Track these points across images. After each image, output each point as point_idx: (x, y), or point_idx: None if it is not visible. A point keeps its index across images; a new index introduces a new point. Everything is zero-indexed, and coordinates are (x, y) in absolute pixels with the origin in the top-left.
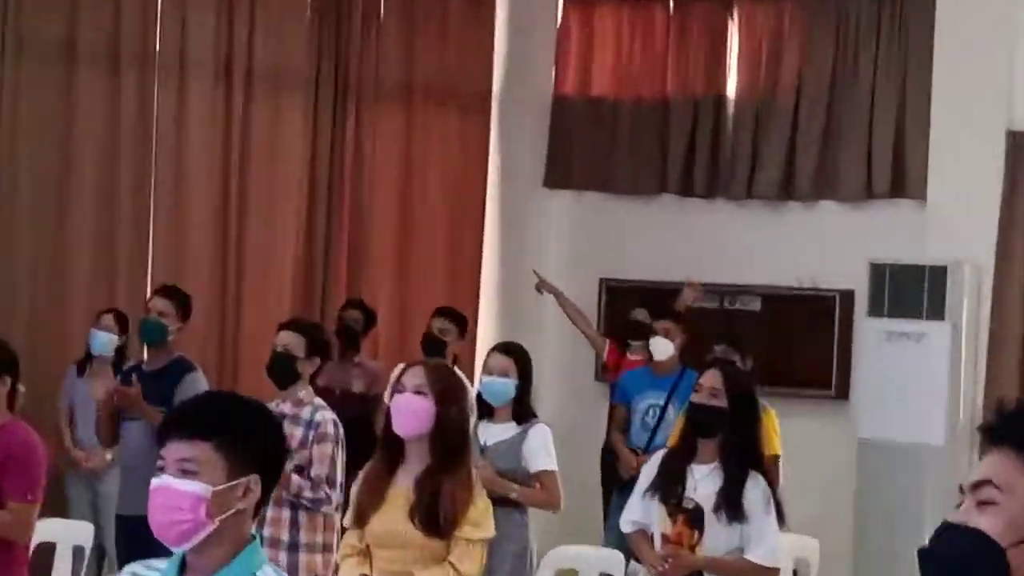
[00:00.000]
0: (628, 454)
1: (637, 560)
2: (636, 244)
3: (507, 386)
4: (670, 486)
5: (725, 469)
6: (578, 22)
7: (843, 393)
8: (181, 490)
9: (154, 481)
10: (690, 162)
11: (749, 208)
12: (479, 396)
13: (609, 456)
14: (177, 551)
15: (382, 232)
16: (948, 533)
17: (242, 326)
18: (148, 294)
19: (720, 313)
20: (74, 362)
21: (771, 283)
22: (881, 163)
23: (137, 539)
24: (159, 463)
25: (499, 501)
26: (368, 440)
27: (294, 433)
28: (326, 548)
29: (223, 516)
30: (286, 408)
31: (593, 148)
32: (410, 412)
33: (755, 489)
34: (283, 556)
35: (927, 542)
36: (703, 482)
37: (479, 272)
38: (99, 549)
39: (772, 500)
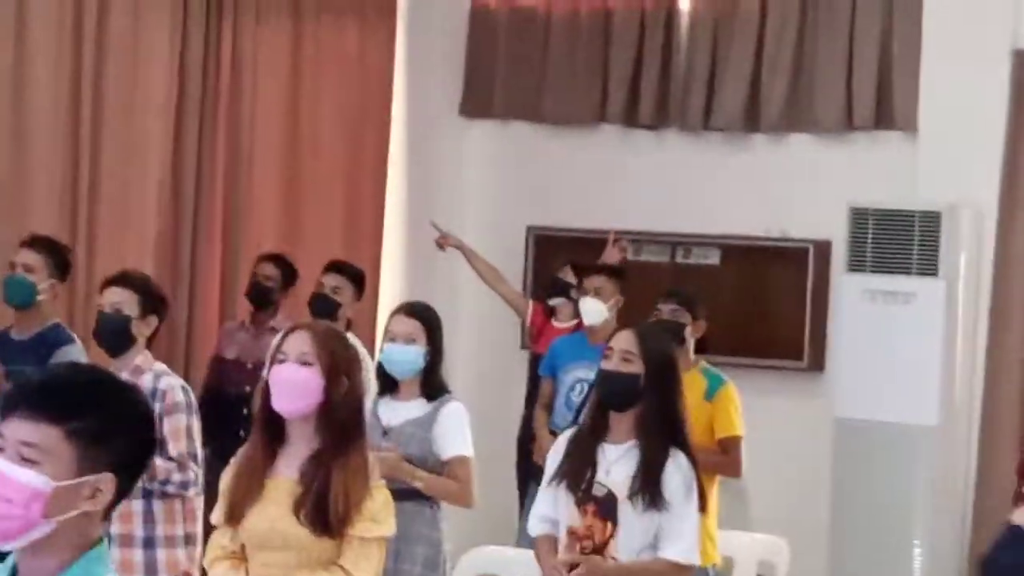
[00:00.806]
0: (546, 437)
1: None
2: (570, 185)
3: (414, 355)
4: (578, 471)
5: (642, 447)
6: None
7: (817, 364)
8: (15, 480)
9: None
10: (635, 86)
11: (706, 141)
12: (380, 367)
13: (528, 440)
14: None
15: (265, 172)
16: (1016, 540)
17: (95, 285)
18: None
19: (671, 268)
20: None
21: (732, 232)
22: (863, 88)
23: None
24: None
25: (406, 494)
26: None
27: None
28: (188, 540)
29: (62, 517)
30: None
31: (519, 69)
32: (293, 385)
33: (676, 472)
34: (138, 554)
35: (990, 548)
36: (617, 465)
37: (381, 219)
38: None
39: (695, 485)
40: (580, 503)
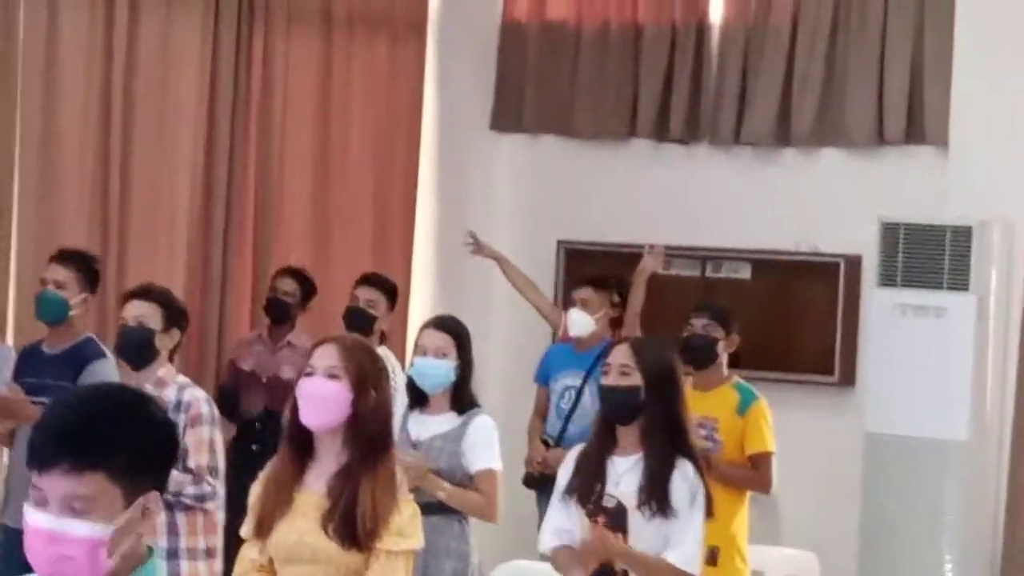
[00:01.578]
0: (537, 446)
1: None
2: (601, 199)
3: (444, 369)
4: (587, 485)
5: (648, 458)
6: None
7: (848, 379)
8: (73, 536)
9: (32, 518)
10: (666, 101)
11: (736, 156)
12: (410, 381)
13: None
14: None
15: (295, 184)
16: None
17: None
18: (12, 257)
19: (701, 282)
20: None
21: (762, 247)
22: (894, 103)
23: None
24: (36, 493)
25: (435, 508)
26: None
27: None
28: (209, 553)
29: (123, 549)
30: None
31: (549, 84)
32: (320, 399)
33: (682, 482)
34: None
35: None
36: (627, 476)
37: (412, 233)
38: None
39: (700, 493)
40: (591, 515)
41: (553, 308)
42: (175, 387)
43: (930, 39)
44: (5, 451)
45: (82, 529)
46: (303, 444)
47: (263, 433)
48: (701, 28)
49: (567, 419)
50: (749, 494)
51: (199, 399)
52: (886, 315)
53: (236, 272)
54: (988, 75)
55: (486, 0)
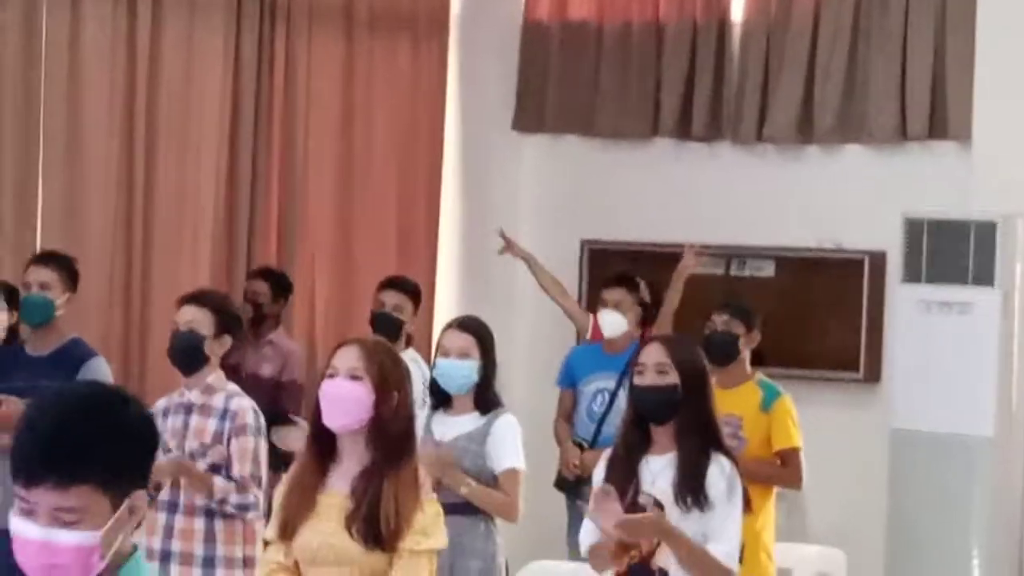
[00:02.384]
0: (571, 448)
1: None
2: (624, 198)
3: (467, 370)
4: (621, 485)
5: (683, 453)
6: None
7: (873, 375)
8: (64, 546)
9: (22, 529)
10: (688, 99)
11: (759, 154)
12: (433, 382)
13: None
14: None
15: (319, 186)
16: None
17: (150, 302)
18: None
19: (725, 280)
20: None
21: (787, 244)
22: (917, 99)
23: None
24: (23, 505)
25: (461, 508)
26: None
27: (205, 426)
28: (247, 563)
29: (115, 548)
30: (193, 397)
31: (572, 84)
32: (343, 400)
33: (719, 474)
34: (197, 572)
35: None
36: (662, 475)
37: (436, 234)
38: None
39: (738, 485)
40: (627, 511)
41: (580, 310)
42: (223, 395)
43: (952, 34)
44: None
45: (72, 539)
46: (326, 446)
47: None
48: (722, 26)
49: (601, 421)
50: (776, 491)
51: (245, 408)
52: (911, 311)
53: None
54: (1011, 69)
55: (508, 0)
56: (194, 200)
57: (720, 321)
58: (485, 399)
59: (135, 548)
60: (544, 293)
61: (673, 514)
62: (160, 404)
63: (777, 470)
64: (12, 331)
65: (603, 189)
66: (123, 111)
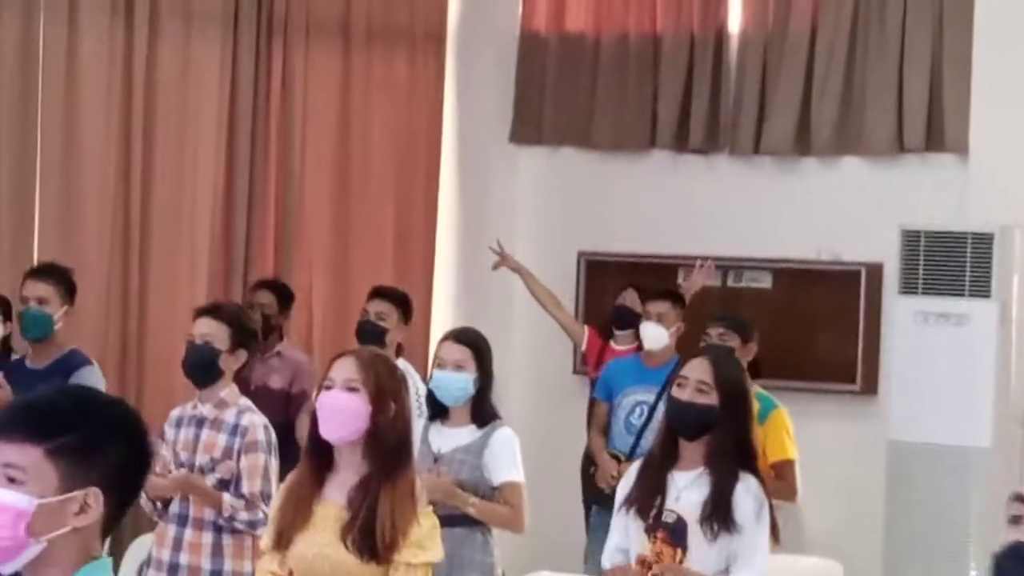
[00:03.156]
0: (608, 461)
1: None
2: (621, 210)
3: (463, 381)
4: (647, 499)
5: (713, 473)
6: None
7: (870, 387)
8: None
9: None
10: (685, 111)
11: (756, 165)
12: (430, 394)
13: (592, 465)
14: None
15: (316, 198)
16: (1018, 558)
17: (148, 313)
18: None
19: (722, 292)
20: None
21: (783, 255)
22: (914, 111)
23: None
24: None
25: (458, 520)
26: (290, 447)
27: (216, 441)
28: None
29: (51, 535)
30: (206, 411)
31: (569, 95)
32: (339, 412)
33: (747, 496)
34: None
35: (994, 570)
36: (688, 491)
37: (432, 246)
38: None
39: (766, 509)
40: (650, 530)
41: (576, 323)
42: (235, 410)
43: (949, 46)
44: None
45: (7, 496)
46: (323, 457)
47: None
48: (720, 38)
49: (639, 435)
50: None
51: (256, 425)
52: (908, 323)
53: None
54: (1008, 82)
55: (505, 12)
56: (191, 211)
57: (716, 333)
58: (482, 411)
59: (105, 557)
60: (539, 306)
61: (695, 533)
62: (175, 413)
63: (772, 482)
64: (5, 343)
65: (600, 201)
66: (120, 122)
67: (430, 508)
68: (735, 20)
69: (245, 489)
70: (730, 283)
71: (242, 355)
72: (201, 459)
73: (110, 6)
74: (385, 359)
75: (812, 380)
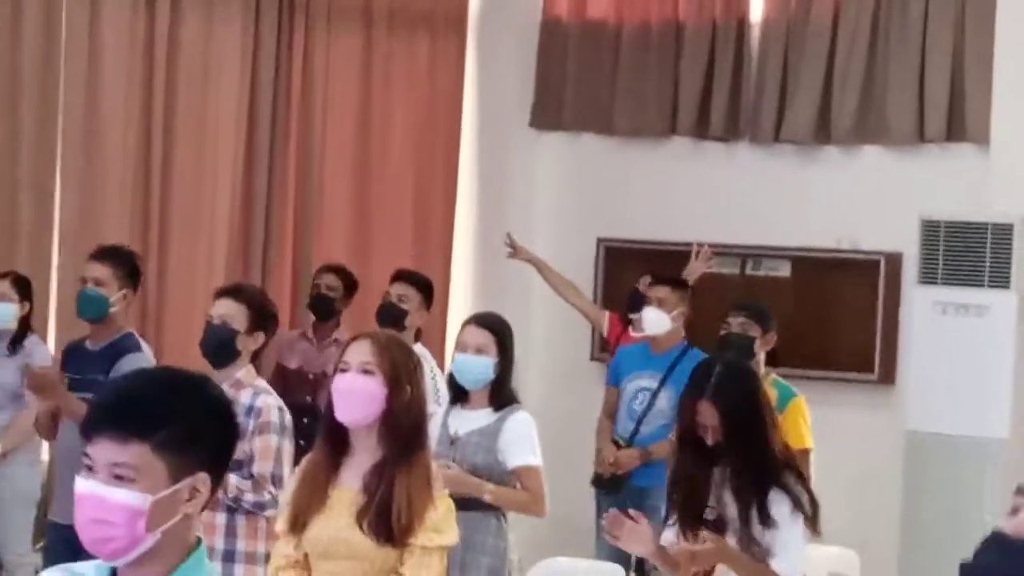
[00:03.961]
0: (607, 445)
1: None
2: (641, 197)
3: (484, 365)
4: (689, 497)
5: (739, 498)
6: None
7: (888, 377)
8: (113, 501)
9: (80, 483)
10: (706, 98)
11: (777, 154)
12: (451, 377)
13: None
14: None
15: (336, 181)
16: (997, 545)
17: (166, 293)
18: (55, 253)
19: (741, 280)
20: None
21: (803, 244)
22: (936, 101)
23: (76, 552)
24: (86, 461)
25: (472, 504)
26: None
27: None
28: (268, 559)
29: (165, 527)
30: None
31: (590, 81)
32: (355, 395)
33: (781, 504)
34: (217, 567)
35: (972, 555)
36: (727, 492)
37: (451, 231)
38: None
39: (799, 510)
40: (691, 528)
41: (595, 308)
42: (250, 391)
43: (971, 36)
44: (43, 446)
45: (122, 495)
46: (339, 440)
47: (310, 428)
48: (741, 26)
49: (640, 420)
50: None
51: (270, 406)
52: (927, 313)
53: (276, 271)
54: None
55: None
56: (211, 196)
57: (736, 322)
58: (500, 396)
59: (200, 541)
60: (557, 295)
61: (734, 531)
62: None
63: None
64: (24, 322)
65: (620, 188)
66: (141, 107)
67: (446, 491)
68: (757, 8)
69: (255, 469)
70: (749, 271)
71: (260, 337)
72: None
73: None
74: (400, 342)
75: (830, 369)
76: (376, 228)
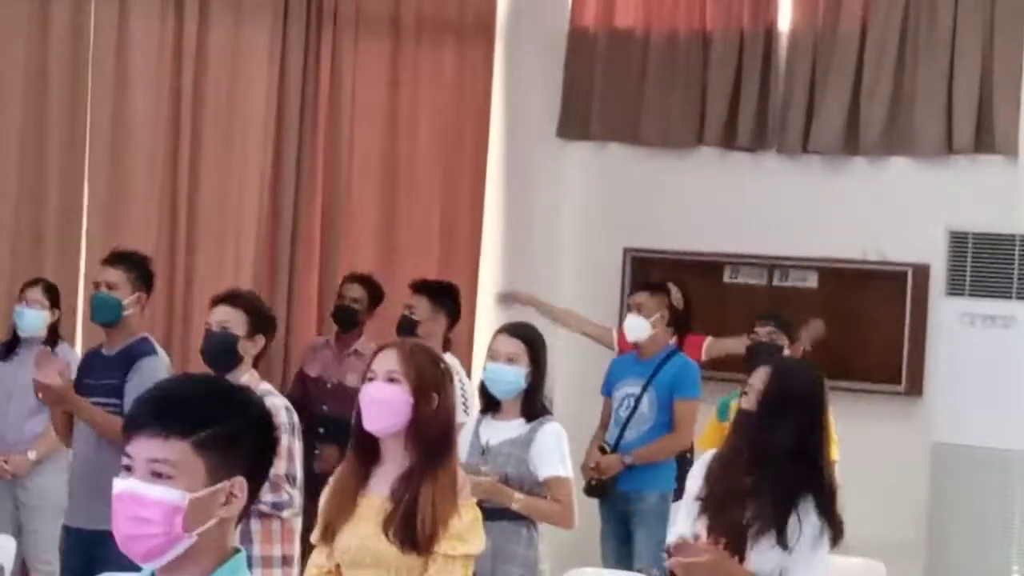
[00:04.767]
0: (591, 452)
1: None
2: (668, 207)
3: (515, 374)
4: (720, 499)
5: (774, 496)
6: None
7: (916, 388)
8: (151, 498)
9: (118, 483)
10: (734, 108)
11: (804, 164)
12: (482, 386)
13: None
14: (146, 568)
15: (363, 191)
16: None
17: (193, 302)
18: (83, 261)
19: (768, 290)
20: None
21: (830, 255)
22: (964, 112)
23: (90, 558)
24: (125, 461)
25: (503, 514)
26: None
27: None
28: (285, 561)
29: (202, 528)
30: None
31: (617, 91)
32: (381, 404)
33: (806, 522)
34: None
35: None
36: (751, 495)
37: (479, 240)
38: (22, 567)
39: (825, 531)
40: (712, 531)
41: (603, 329)
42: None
43: (1000, 48)
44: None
45: (159, 492)
46: (368, 449)
47: (326, 438)
48: (769, 36)
49: (624, 426)
50: None
51: (278, 407)
52: (954, 324)
53: (303, 278)
54: None
55: (554, 7)
56: (238, 201)
57: (764, 332)
58: (532, 406)
59: (239, 549)
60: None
61: (752, 535)
62: None
63: None
64: (53, 329)
65: (647, 197)
66: (169, 111)
67: (473, 500)
68: (785, 18)
69: (270, 471)
70: (776, 282)
71: (260, 341)
72: None
73: None
74: (428, 350)
75: (857, 380)
76: (403, 236)
